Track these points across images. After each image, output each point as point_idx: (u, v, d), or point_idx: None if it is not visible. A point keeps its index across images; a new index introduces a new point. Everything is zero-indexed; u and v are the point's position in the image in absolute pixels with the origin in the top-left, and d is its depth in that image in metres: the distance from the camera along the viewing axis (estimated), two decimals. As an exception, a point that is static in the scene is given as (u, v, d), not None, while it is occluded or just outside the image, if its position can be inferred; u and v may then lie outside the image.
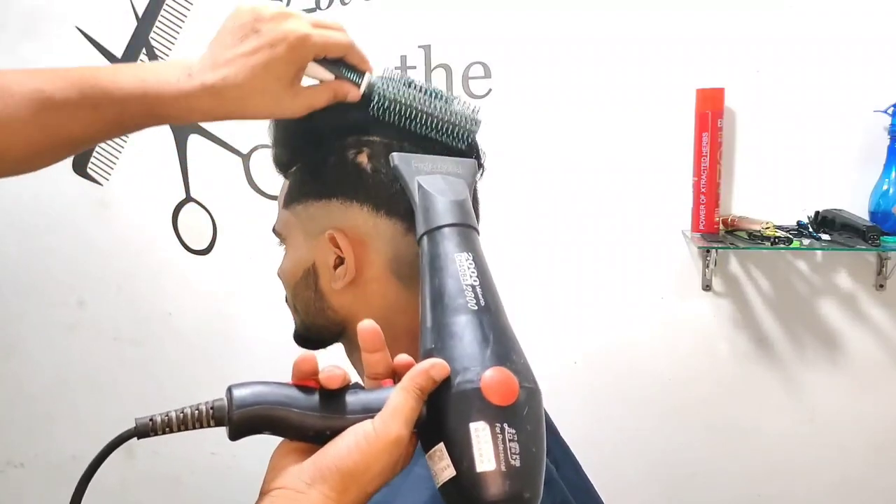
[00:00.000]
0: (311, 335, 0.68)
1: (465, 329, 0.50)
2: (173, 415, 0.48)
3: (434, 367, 0.47)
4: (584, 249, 1.44)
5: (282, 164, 0.69)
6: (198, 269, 1.66)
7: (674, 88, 1.35)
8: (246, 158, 1.59)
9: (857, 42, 1.27)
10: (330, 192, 0.63)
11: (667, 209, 1.39)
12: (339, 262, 0.62)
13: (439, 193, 0.57)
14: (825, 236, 1.26)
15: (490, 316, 0.51)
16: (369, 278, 0.63)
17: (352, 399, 0.48)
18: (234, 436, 0.48)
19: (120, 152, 1.65)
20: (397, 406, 0.46)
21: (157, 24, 1.57)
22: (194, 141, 1.60)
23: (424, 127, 0.61)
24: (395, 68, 1.46)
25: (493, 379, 0.46)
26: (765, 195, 1.36)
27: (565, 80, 1.40)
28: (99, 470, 0.48)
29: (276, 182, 1.59)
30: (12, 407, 1.82)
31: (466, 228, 0.56)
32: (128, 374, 1.73)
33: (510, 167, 1.41)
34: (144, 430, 0.48)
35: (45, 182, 1.68)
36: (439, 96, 0.62)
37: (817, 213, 1.31)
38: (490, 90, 1.44)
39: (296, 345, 0.72)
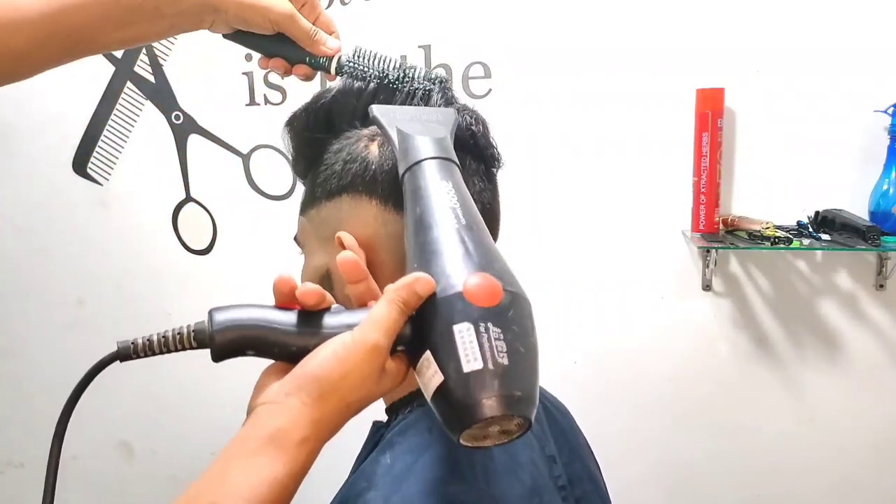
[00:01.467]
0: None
1: (446, 244, 0.49)
2: (155, 337, 0.48)
3: (418, 280, 0.46)
4: (584, 249, 1.44)
5: (299, 171, 0.68)
6: (198, 269, 1.66)
7: (674, 88, 1.35)
8: (246, 158, 1.59)
9: (857, 42, 1.27)
10: (340, 187, 0.61)
11: (667, 209, 1.39)
12: None
13: (417, 133, 0.58)
14: (825, 236, 1.26)
15: (472, 232, 0.50)
16: (382, 280, 0.60)
17: (332, 318, 0.48)
18: (218, 356, 0.47)
19: (120, 152, 1.65)
20: (377, 315, 0.46)
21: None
22: (194, 141, 1.60)
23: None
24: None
25: (474, 283, 0.46)
26: (765, 195, 1.36)
27: (565, 80, 1.40)
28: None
29: (276, 182, 1.60)
30: (12, 407, 1.82)
31: (445, 161, 0.56)
32: (128, 374, 1.73)
33: (510, 167, 1.40)
34: (126, 353, 0.48)
35: (45, 182, 1.68)
36: (404, 72, 0.66)
37: (817, 213, 1.31)
38: (490, 90, 1.44)
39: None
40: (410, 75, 0.66)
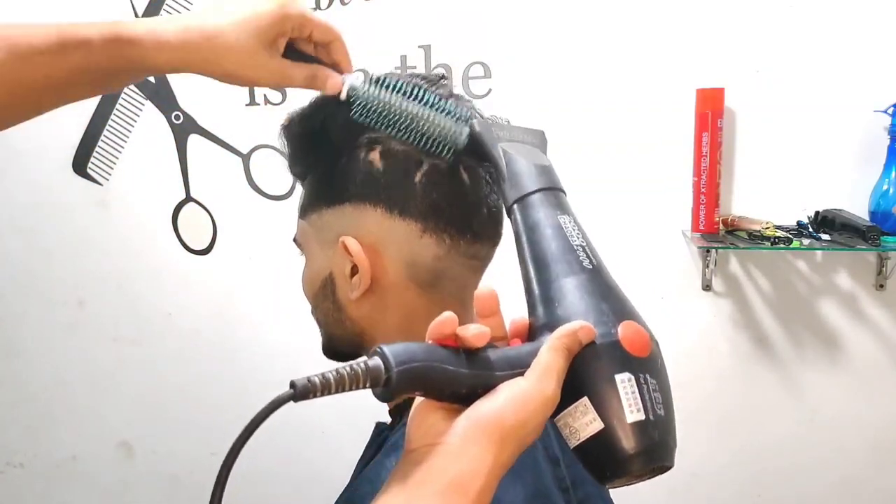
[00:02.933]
0: (336, 347, 0.66)
1: (584, 288, 0.50)
2: (330, 376, 0.45)
3: (582, 328, 0.47)
4: (584, 249, 1.44)
5: (296, 174, 0.67)
6: (198, 269, 1.66)
7: (674, 88, 1.35)
8: (246, 158, 1.59)
9: (857, 42, 1.27)
10: (342, 196, 0.61)
11: (667, 209, 1.39)
12: (355, 270, 0.60)
13: (524, 158, 0.56)
14: (825, 236, 1.26)
15: (603, 275, 0.52)
16: (386, 286, 0.61)
17: (496, 356, 0.47)
18: (390, 396, 0.45)
19: (120, 152, 1.65)
20: (549, 364, 0.45)
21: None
22: (194, 141, 1.60)
23: (404, 135, 0.58)
24: (396, 68, 1.46)
25: (628, 331, 0.47)
26: (765, 195, 1.36)
27: (565, 80, 1.40)
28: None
29: (276, 182, 1.60)
30: (12, 407, 1.82)
31: (558, 192, 0.56)
32: (128, 374, 1.73)
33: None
34: (304, 394, 0.45)
35: (45, 182, 1.68)
36: (428, 102, 0.58)
37: (817, 213, 1.31)
38: (490, 90, 1.44)
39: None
40: (437, 107, 0.59)
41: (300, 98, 0.68)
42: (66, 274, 1.74)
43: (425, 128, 0.57)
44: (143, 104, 1.61)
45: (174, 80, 1.59)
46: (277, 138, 0.67)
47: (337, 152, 0.62)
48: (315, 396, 0.45)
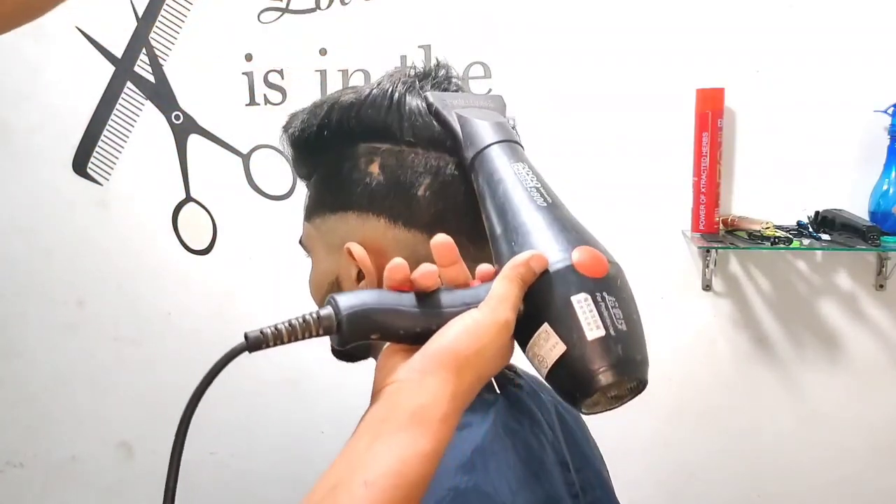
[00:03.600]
0: (344, 349, 0.67)
1: (541, 223, 0.51)
2: (282, 327, 0.47)
3: (534, 257, 0.48)
4: (584, 249, 1.44)
5: (301, 175, 0.68)
6: (198, 269, 1.66)
7: (674, 88, 1.35)
8: (246, 158, 1.59)
9: (857, 42, 1.27)
10: (345, 204, 0.61)
11: (667, 209, 1.39)
12: (361, 276, 0.60)
13: (476, 118, 0.58)
14: (825, 236, 1.26)
15: (560, 210, 0.52)
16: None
17: (449, 297, 0.49)
18: (345, 341, 0.47)
19: (120, 152, 1.65)
20: (501, 293, 0.47)
21: (157, 24, 1.57)
22: (194, 141, 1.60)
23: None
24: (396, 68, 1.46)
25: (582, 256, 0.48)
26: (765, 195, 1.36)
27: (565, 80, 1.40)
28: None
29: (276, 182, 1.60)
30: (12, 407, 1.82)
31: (513, 144, 0.57)
32: (128, 374, 1.73)
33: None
34: (257, 344, 0.47)
35: (45, 182, 1.68)
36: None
37: (817, 213, 1.31)
38: (490, 90, 1.44)
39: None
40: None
41: (300, 98, 0.67)
42: (66, 274, 1.74)
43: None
44: (143, 104, 1.61)
45: (174, 80, 1.59)
46: (279, 140, 0.67)
47: (338, 158, 0.61)
48: (268, 346, 0.47)
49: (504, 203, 0.53)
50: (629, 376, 0.46)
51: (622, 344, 0.45)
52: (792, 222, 1.32)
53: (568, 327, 0.45)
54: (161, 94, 1.60)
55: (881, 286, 1.34)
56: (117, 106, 1.62)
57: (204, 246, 1.66)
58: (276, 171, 1.57)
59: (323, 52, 1.50)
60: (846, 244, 1.21)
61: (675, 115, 1.35)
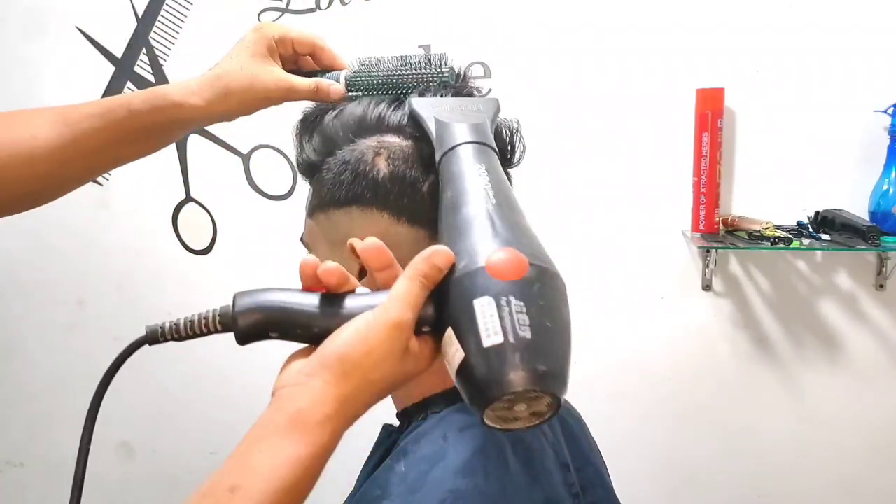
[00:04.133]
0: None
1: (473, 223, 0.48)
2: (181, 321, 0.47)
3: (435, 253, 0.46)
4: (585, 249, 1.44)
5: (304, 172, 0.67)
6: (198, 269, 1.66)
7: (674, 88, 1.35)
8: (246, 158, 1.59)
9: (857, 42, 1.27)
10: (348, 198, 0.60)
11: (667, 209, 1.39)
12: (364, 272, 0.59)
13: (455, 121, 0.57)
14: (825, 236, 1.26)
15: (502, 210, 0.49)
16: None
17: (355, 299, 0.47)
18: (241, 340, 0.47)
19: (120, 152, 1.65)
20: (397, 292, 0.45)
21: (157, 24, 1.57)
22: (194, 141, 1.60)
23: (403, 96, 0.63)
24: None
25: (497, 257, 0.45)
26: (765, 195, 1.36)
27: (565, 80, 1.40)
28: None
29: (276, 182, 1.60)
30: (12, 407, 1.82)
31: (480, 145, 0.55)
32: (128, 374, 1.72)
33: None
34: (154, 336, 0.48)
35: (45, 182, 1.68)
36: (407, 63, 0.63)
37: (817, 213, 1.31)
38: (490, 90, 1.44)
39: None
40: (418, 68, 0.64)
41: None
42: (66, 274, 1.74)
43: (411, 83, 0.63)
44: (143, 104, 1.61)
45: (174, 79, 1.58)
46: (292, 137, 0.67)
47: (342, 152, 0.61)
48: (165, 339, 0.48)
49: (451, 202, 0.51)
50: (528, 387, 0.41)
51: (521, 353, 0.41)
52: (792, 222, 1.32)
53: (467, 332, 0.43)
54: (161, 94, 1.59)
55: (881, 286, 1.33)
56: (117, 106, 1.62)
57: (204, 246, 1.66)
58: (276, 171, 1.57)
59: (323, 52, 1.50)
60: (846, 244, 1.21)
61: (675, 115, 1.35)
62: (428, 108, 0.60)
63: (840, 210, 1.29)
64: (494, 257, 0.44)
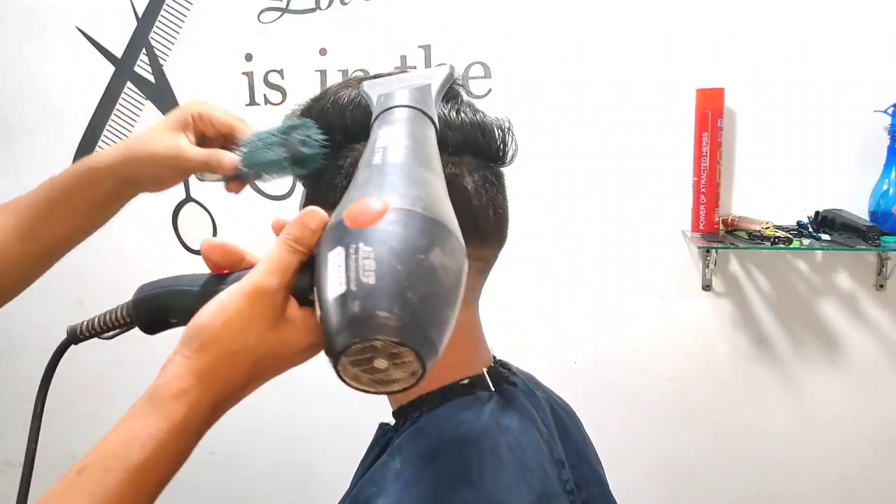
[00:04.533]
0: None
1: (356, 182, 0.46)
2: (96, 318, 0.49)
3: (306, 213, 0.44)
4: (585, 249, 1.44)
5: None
6: (198, 269, 1.66)
7: (674, 88, 1.35)
8: (246, 158, 1.59)
9: (857, 42, 1.27)
10: (346, 199, 0.60)
11: (667, 209, 1.39)
12: None
13: (395, 89, 0.55)
14: (825, 236, 1.26)
15: (392, 167, 0.46)
16: None
17: (238, 275, 0.46)
18: (144, 328, 0.47)
19: (120, 152, 1.65)
20: (264, 258, 0.44)
21: (157, 24, 1.57)
22: (194, 141, 1.60)
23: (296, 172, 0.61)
24: (396, 68, 1.46)
25: (355, 206, 0.42)
26: (765, 195, 1.36)
27: (565, 80, 1.40)
28: None
29: (276, 182, 1.60)
30: (12, 407, 1.82)
31: (403, 108, 0.53)
32: (128, 373, 1.73)
33: (510, 167, 1.41)
34: (74, 336, 0.49)
35: (45, 182, 1.68)
36: (295, 129, 0.61)
37: (817, 213, 1.31)
38: (490, 90, 1.44)
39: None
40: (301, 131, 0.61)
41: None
42: (66, 274, 1.74)
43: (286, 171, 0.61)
44: (142, 104, 1.61)
45: (174, 80, 1.59)
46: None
47: (338, 154, 0.60)
48: (84, 337, 0.48)
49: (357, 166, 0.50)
50: (367, 335, 0.37)
51: (360, 301, 0.38)
52: (792, 222, 1.32)
53: (321, 288, 0.40)
54: (161, 94, 1.60)
55: (881, 286, 1.33)
56: (117, 106, 1.62)
57: (204, 246, 1.66)
58: (276, 171, 1.57)
59: (323, 52, 1.50)
60: (846, 244, 1.21)
61: (675, 115, 1.35)
62: (376, 86, 0.59)
63: (840, 210, 1.29)
64: (353, 207, 0.42)
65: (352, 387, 0.41)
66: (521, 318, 1.47)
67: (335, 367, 0.40)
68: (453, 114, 0.59)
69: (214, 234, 1.65)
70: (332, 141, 0.60)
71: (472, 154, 0.60)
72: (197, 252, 1.66)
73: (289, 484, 1.69)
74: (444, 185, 0.48)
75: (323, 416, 1.62)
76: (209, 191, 1.63)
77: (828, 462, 1.41)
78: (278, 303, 0.43)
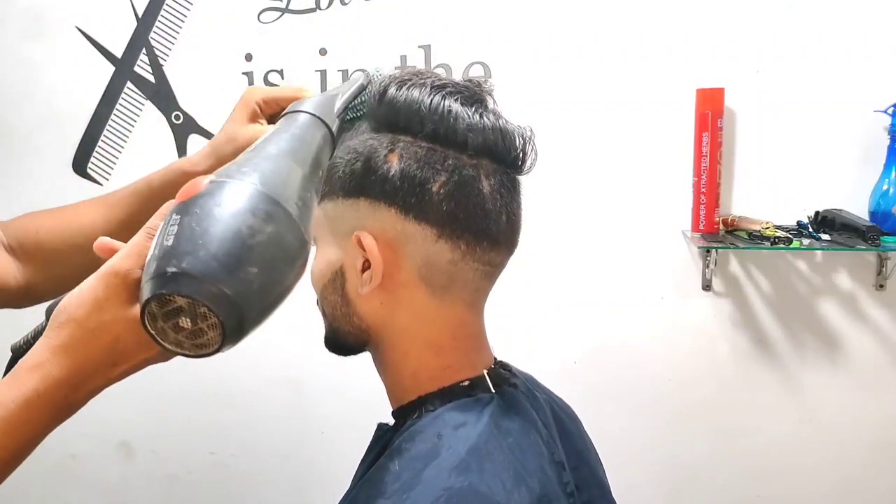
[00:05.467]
0: (340, 341, 0.66)
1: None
2: (31, 332, 0.52)
3: (166, 205, 0.48)
4: (585, 249, 1.44)
5: None
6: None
7: (674, 88, 1.35)
8: (246, 158, 1.59)
9: (857, 42, 1.27)
10: (357, 189, 0.60)
11: (667, 209, 1.39)
12: (367, 265, 0.59)
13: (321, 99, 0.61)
14: (825, 236, 1.26)
15: (255, 152, 0.50)
16: (398, 284, 0.60)
17: None
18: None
19: (120, 152, 1.65)
20: (126, 244, 0.48)
21: (157, 24, 1.57)
22: (194, 141, 1.60)
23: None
24: (396, 68, 1.46)
25: (186, 184, 0.46)
26: (765, 195, 1.36)
27: (565, 80, 1.40)
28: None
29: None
30: (12, 407, 1.82)
31: (301, 113, 0.58)
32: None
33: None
34: (18, 352, 0.51)
35: (45, 182, 1.68)
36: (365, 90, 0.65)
37: (817, 213, 1.31)
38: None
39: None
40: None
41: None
42: (66, 274, 1.74)
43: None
44: (143, 104, 1.61)
45: (174, 80, 1.59)
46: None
47: (355, 144, 0.61)
48: (22, 353, 0.50)
49: None
50: (155, 291, 0.40)
51: (157, 261, 0.41)
52: (792, 222, 1.32)
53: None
54: (161, 94, 1.60)
55: (881, 286, 1.33)
56: (117, 106, 1.62)
57: (204, 246, 1.66)
58: (276, 171, 1.57)
59: (323, 52, 1.50)
60: (846, 244, 1.21)
61: (675, 115, 1.35)
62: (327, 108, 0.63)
63: (840, 210, 1.29)
64: (185, 185, 0.46)
65: (179, 354, 0.44)
66: (522, 317, 1.47)
67: (148, 332, 0.43)
68: (476, 117, 0.60)
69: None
70: (356, 127, 0.63)
71: (491, 158, 0.61)
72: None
73: (289, 484, 1.69)
74: (312, 184, 0.52)
75: (323, 417, 1.62)
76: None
77: (828, 462, 1.41)
78: (131, 283, 0.47)
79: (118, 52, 1.60)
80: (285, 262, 0.45)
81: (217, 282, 0.40)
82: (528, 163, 0.64)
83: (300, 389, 1.62)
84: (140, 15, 1.57)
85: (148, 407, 1.73)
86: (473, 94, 0.61)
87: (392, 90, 0.60)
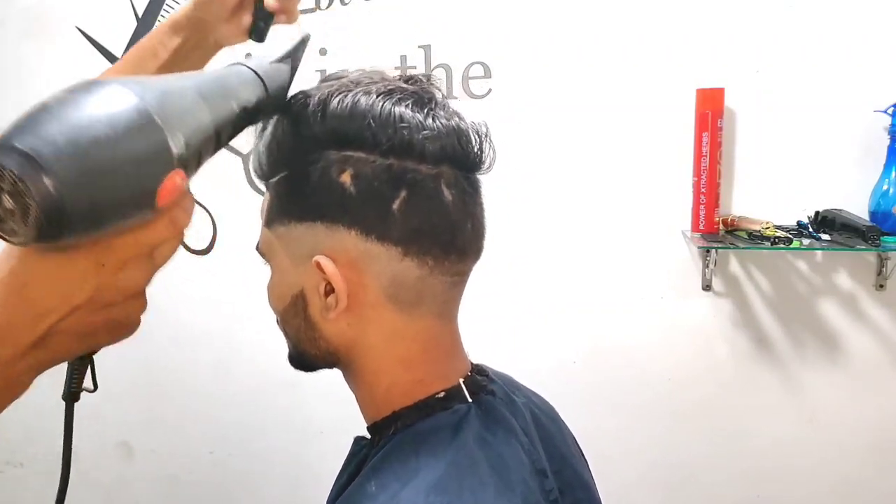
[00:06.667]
0: (306, 362, 0.63)
1: None
2: None
3: None
4: (584, 249, 1.44)
5: (261, 174, 0.62)
6: (198, 269, 1.66)
7: (674, 88, 1.35)
8: (246, 158, 1.59)
9: (857, 42, 1.27)
10: (313, 214, 0.56)
11: (667, 209, 1.39)
12: (330, 289, 0.56)
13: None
14: (825, 236, 1.26)
15: (168, 76, 0.49)
16: (364, 304, 0.57)
17: None
18: None
19: (120, 152, 1.65)
20: None
21: (156, 24, 1.57)
22: (194, 141, 1.60)
23: None
24: (396, 68, 1.46)
25: None
26: (765, 195, 1.36)
27: (565, 80, 1.40)
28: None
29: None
30: (12, 407, 1.82)
31: (241, 66, 0.56)
32: (127, 374, 1.73)
33: (510, 167, 1.41)
34: None
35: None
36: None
37: (817, 213, 1.31)
38: (490, 90, 1.44)
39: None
40: None
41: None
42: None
43: None
44: (143, 104, 1.61)
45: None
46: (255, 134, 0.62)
47: (306, 162, 0.57)
48: None
49: None
50: None
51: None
52: (792, 222, 1.32)
53: None
54: (161, 94, 1.60)
55: (881, 286, 1.33)
56: (117, 106, 1.62)
57: (204, 246, 1.65)
58: (276, 171, 1.57)
59: (323, 52, 1.50)
60: (846, 244, 1.21)
61: (675, 115, 1.35)
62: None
63: (840, 210, 1.29)
64: None
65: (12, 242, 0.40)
66: (521, 318, 1.47)
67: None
68: (430, 120, 0.55)
69: (214, 234, 1.64)
70: (301, 144, 0.57)
71: (450, 163, 0.56)
72: (198, 252, 1.66)
73: (289, 484, 1.69)
74: (206, 110, 0.50)
75: (323, 417, 1.62)
76: (209, 191, 1.63)
77: (828, 462, 1.41)
78: None
79: (118, 53, 1.60)
80: (130, 178, 0.41)
81: (43, 167, 0.37)
82: (487, 162, 0.59)
83: (299, 390, 1.62)
84: (140, 15, 1.57)
85: (148, 407, 1.74)
86: (423, 95, 0.57)
87: (334, 103, 0.55)
